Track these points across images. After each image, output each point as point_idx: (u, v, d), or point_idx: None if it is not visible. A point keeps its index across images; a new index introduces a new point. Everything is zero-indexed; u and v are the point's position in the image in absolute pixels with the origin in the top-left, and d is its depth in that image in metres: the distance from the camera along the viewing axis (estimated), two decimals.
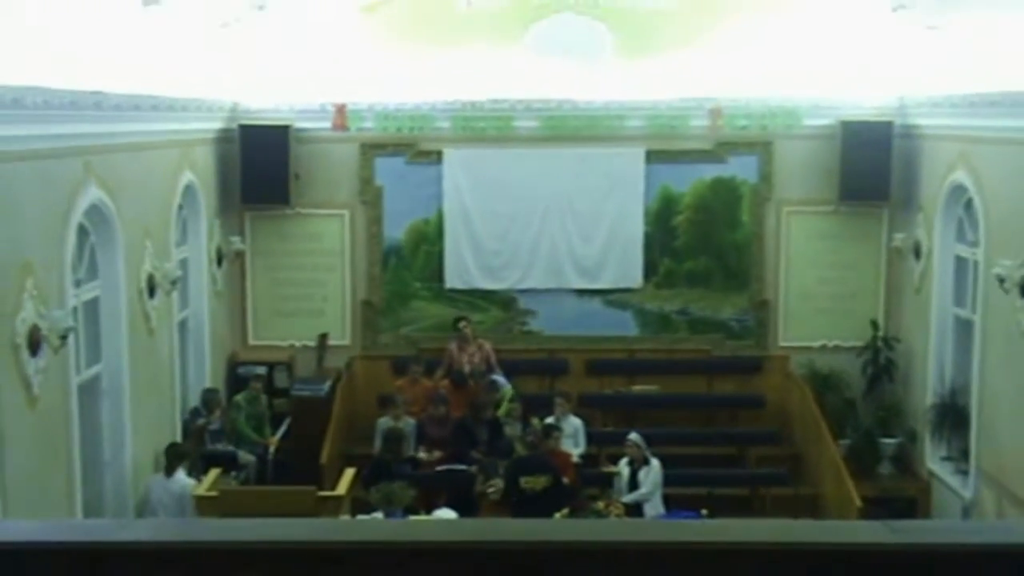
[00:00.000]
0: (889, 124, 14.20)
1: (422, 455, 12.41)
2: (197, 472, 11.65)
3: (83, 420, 9.98)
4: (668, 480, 12.18)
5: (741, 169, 14.80)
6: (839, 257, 14.85)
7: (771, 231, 14.88)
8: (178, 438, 12.32)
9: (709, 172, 14.81)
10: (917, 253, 13.89)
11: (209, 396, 13.16)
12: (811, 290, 14.90)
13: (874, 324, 14.59)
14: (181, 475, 11.20)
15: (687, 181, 14.85)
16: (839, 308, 14.85)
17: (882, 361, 14.48)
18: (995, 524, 9.28)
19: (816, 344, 14.87)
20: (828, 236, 14.84)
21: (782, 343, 15.00)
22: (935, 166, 13.47)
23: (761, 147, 14.72)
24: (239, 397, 13.67)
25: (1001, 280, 11.23)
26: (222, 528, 2.16)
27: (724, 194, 14.86)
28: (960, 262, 13.10)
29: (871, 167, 14.19)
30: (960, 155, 12.67)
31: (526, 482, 11.30)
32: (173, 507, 10.87)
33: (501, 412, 13.22)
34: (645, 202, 14.76)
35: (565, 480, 11.69)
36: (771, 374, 14.90)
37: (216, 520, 3.24)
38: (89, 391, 10.45)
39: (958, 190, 12.88)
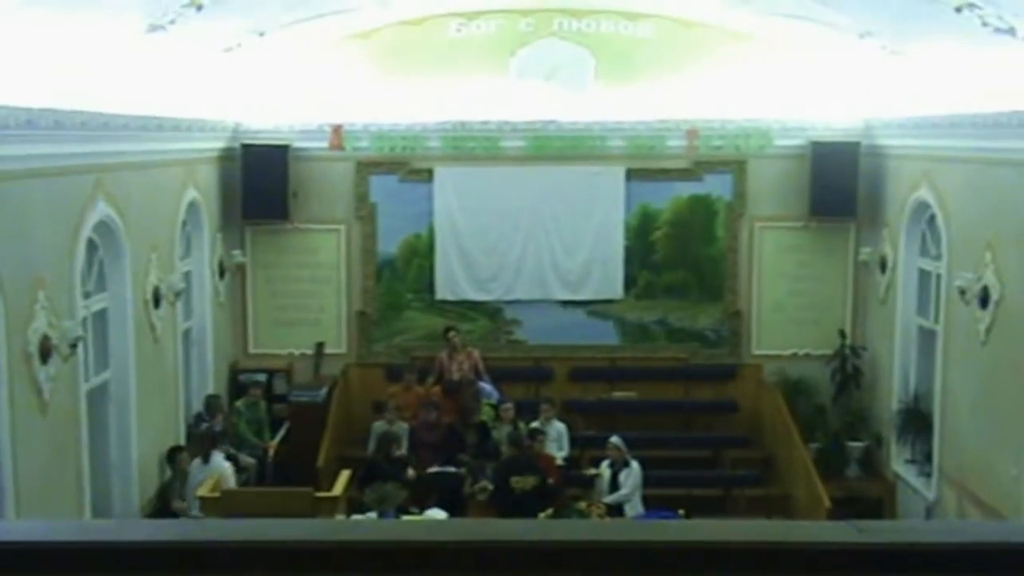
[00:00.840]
0: (856, 144, 14.25)
1: (411, 472, 12.29)
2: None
3: (91, 424, 9.95)
4: (647, 481, 12.18)
5: (716, 187, 14.83)
6: (809, 270, 14.88)
7: (744, 245, 14.91)
8: (182, 442, 12.29)
9: (686, 190, 14.84)
10: (883, 266, 13.93)
11: (212, 401, 13.13)
12: (782, 301, 14.93)
13: (842, 333, 14.62)
14: (217, 459, 11.22)
15: (665, 198, 14.87)
16: (809, 318, 14.88)
17: (849, 369, 14.50)
18: (957, 524, 9.31)
19: (787, 352, 14.90)
20: (798, 250, 14.88)
21: (755, 351, 15.02)
22: (900, 184, 13.52)
23: (735, 166, 14.76)
24: (239, 403, 13.63)
25: (962, 292, 11.28)
26: (223, 528, 2.15)
27: (700, 210, 14.89)
28: (923, 275, 13.14)
29: (839, 185, 14.24)
30: (923, 173, 12.72)
31: (516, 482, 11.30)
32: None
33: (484, 417, 13.20)
34: (625, 218, 14.79)
35: (550, 481, 11.69)
36: (744, 381, 14.92)
37: (217, 520, 3.23)
38: (97, 397, 10.42)
39: (921, 207, 12.93)
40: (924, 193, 12.70)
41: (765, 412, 14.59)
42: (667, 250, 14.95)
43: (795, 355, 14.89)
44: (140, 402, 11.02)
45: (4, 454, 8.12)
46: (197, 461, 11.31)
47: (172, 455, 11.58)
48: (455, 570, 1.99)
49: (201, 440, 11.48)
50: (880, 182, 14.13)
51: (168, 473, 11.67)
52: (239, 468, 12.56)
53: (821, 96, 14.31)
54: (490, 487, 11.69)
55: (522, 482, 11.28)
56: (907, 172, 13.26)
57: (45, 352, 8.74)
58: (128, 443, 10.88)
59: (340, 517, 9.68)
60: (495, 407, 13.38)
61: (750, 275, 14.95)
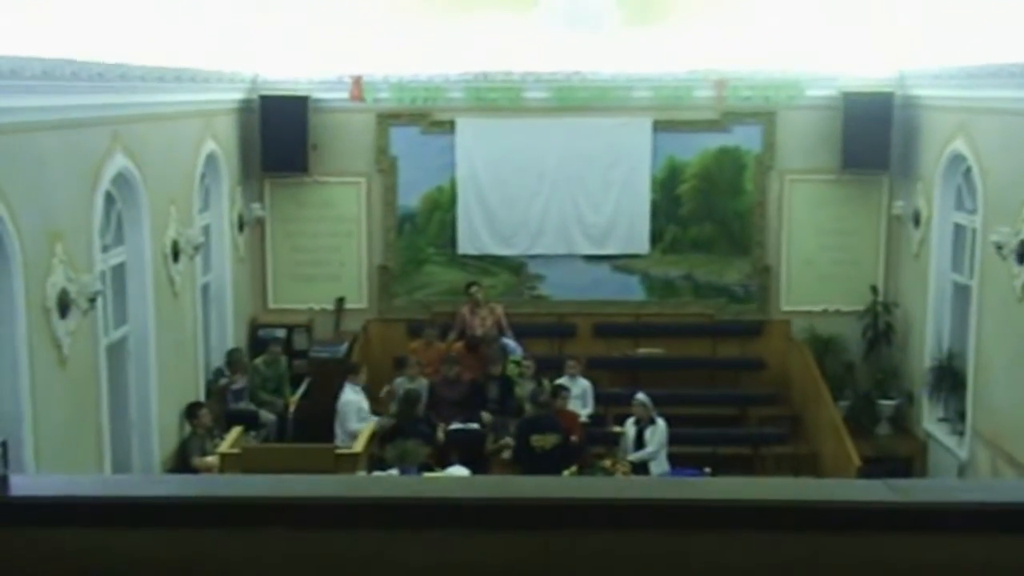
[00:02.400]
0: (890, 95, 14.11)
1: (440, 435, 12.41)
2: (220, 430, 11.73)
3: (111, 380, 10.04)
4: (673, 439, 12.21)
5: (745, 139, 14.74)
6: (840, 224, 14.80)
7: (774, 199, 14.83)
8: (201, 398, 12.39)
9: (714, 142, 14.75)
10: (916, 220, 13.83)
11: (234, 356, 13.22)
12: (812, 256, 14.86)
13: (874, 289, 14.56)
14: (345, 389, 12.01)
15: (692, 150, 14.79)
16: (839, 274, 14.82)
17: (881, 325, 14.46)
18: (993, 482, 9.28)
19: (817, 309, 14.85)
20: (829, 204, 14.79)
21: (784, 308, 14.98)
22: (934, 136, 13.39)
23: (764, 117, 14.65)
24: (258, 360, 13.71)
25: (998, 247, 11.19)
26: (244, 484, 2.17)
27: (728, 163, 14.81)
28: (958, 229, 13.05)
29: (871, 137, 14.12)
30: (959, 125, 12.59)
31: (536, 440, 11.35)
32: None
33: (511, 373, 13.24)
34: (651, 171, 14.72)
35: (573, 439, 11.74)
36: (773, 338, 14.89)
37: (238, 476, 3.26)
38: (116, 352, 10.51)
39: (957, 159, 12.81)
40: (960, 145, 12.58)
41: (793, 369, 14.58)
42: (694, 204, 14.88)
43: (825, 311, 14.84)
44: (159, 358, 11.09)
45: (24, 409, 8.20)
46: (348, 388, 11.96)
47: (191, 411, 11.68)
48: (476, 527, 2.00)
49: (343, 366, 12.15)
50: (914, 134, 14.00)
51: (188, 429, 11.76)
52: (259, 425, 12.67)
53: (853, 45, 14.15)
54: (512, 444, 11.77)
55: (543, 440, 11.33)
56: (943, 123, 13.13)
57: (64, 306, 8.81)
58: (147, 399, 10.96)
59: (361, 474, 9.76)
60: (520, 363, 13.41)
61: (779, 229, 14.88)
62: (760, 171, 14.77)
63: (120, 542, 1.99)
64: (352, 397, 12.15)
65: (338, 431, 11.98)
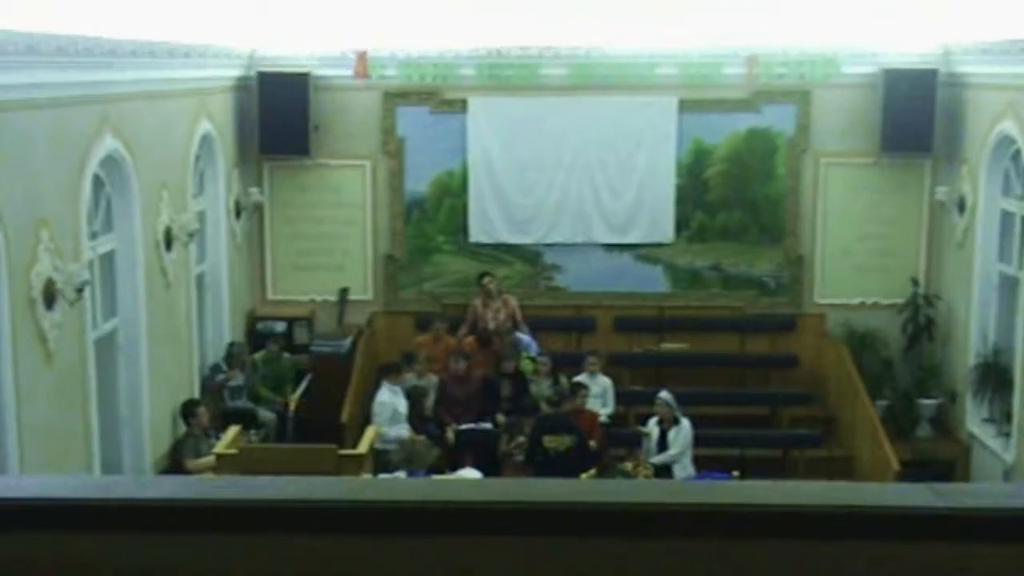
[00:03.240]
0: (933, 72, 14.06)
1: (450, 436, 12.43)
2: (216, 429, 11.77)
3: (99, 376, 10.08)
4: (698, 441, 12.21)
5: (777, 120, 14.70)
6: (879, 211, 14.76)
7: (808, 184, 14.79)
8: (196, 395, 12.43)
9: (744, 123, 14.73)
10: (961, 207, 13.78)
11: (234, 350, 13.27)
12: (849, 245, 14.83)
13: (914, 281, 14.52)
14: (382, 389, 12.17)
15: (721, 132, 14.77)
16: (878, 264, 14.78)
17: (922, 320, 14.42)
18: None
19: (853, 302, 14.82)
20: (867, 189, 14.75)
21: (818, 300, 14.96)
22: (981, 116, 13.34)
23: (798, 96, 14.61)
24: (257, 356, 13.75)
25: None
26: (242, 486, 2.17)
27: (759, 146, 14.78)
28: (1006, 216, 13.00)
29: (913, 117, 14.07)
30: (1008, 104, 12.54)
31: (550, 441, 11.36)
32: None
33: (524, 369, 13.25)
34: (677, 154, 14.70)
35: (592, 443, 11.74)
36: (806, 333, 14.87)
37: (236, 478, 3.27)
38: (105, 346, 10.55)
39: (1005, 141, 12.76)
40: (1008, 126, 12.52)
41: (828, 366, 14.55)
42: (722, 189, 14.86)
43: (862, 304, 14.81)
44: (151, 352, 11.13)
45: (7, 406, 8.24)
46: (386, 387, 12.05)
47: (188, 410, 11.72)
48: (488, 533, 2.00)
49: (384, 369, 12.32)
50: (959, 114, 13.95)
51: (181, 429, 11.81)
52: (257, 423, 12.71)
53: (894, 18, 14.09)
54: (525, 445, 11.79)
55: (556, 442, 11.34)
56: (990, 103, 13.07)
57: (50, 297, 8.84)
58: (138, 396, 11.01)
59: (366, 476, 9.78)
60: (534, 360, 13.42)
61: (813, 216, 14.85)
62: (793, 154, 14.74)
63: (110, 547, 2.00)
64: (387, 398, 12.12)
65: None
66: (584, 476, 10.55)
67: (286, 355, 13.94)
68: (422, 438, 11.53)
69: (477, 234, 14.96)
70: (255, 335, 14.53)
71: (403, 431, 11.77)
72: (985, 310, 13.26)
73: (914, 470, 12.15)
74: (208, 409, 11.95)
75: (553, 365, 13.37)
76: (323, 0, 14.33)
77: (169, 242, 11.67)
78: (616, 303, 14.98)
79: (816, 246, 14.91)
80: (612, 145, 14.68)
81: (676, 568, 1.99)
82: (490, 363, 13.44)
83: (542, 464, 11.27)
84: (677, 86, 14.59)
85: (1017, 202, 12.59)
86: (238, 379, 13.12)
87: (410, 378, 13.05)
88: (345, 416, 12.75)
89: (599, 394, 13.17)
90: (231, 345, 13.39)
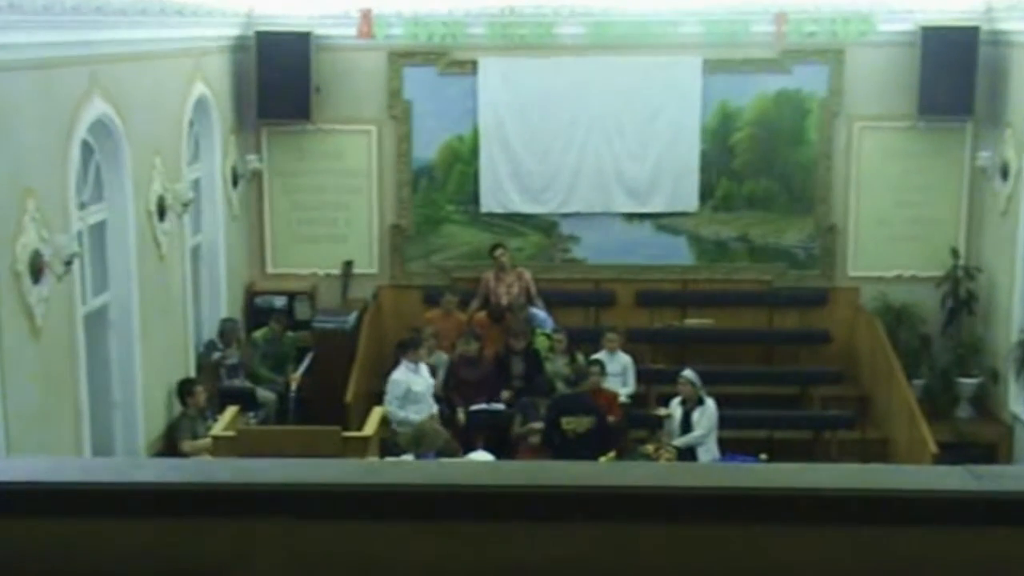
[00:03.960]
0: (974, 30, 13.97)
1: (461, 416, 12.46)
2: (213, 410, 11.81)
3: (90, 353, 10.11)
4: (724, 422, 12.22)
5: (808, 81, 14.64)
6: (916, 178, 14.70)
7: (841, 149, 14.74)
8: (192, 373, 12.47)
9: (773, 84, 14.66)
10: (1004, 173, 13.73)
11: (227, 327, 13.29)
12: (884, 214, 14.78)
13: (954, 252, 14.48)
14: (399, 367, 12.13)
15: (748, 94, 14.71)
16: (915, 234, 14.74)
17: (962, 293, 14.38)
18: None
19: (889, 274, 14.79)
20: (904, 155, 14.69)
21: (851, 273, 14.92)
22: None
23: (831, 56, 14.54)
24: (257, 334, 13.78)
25: None
26: (241, 469, 2.18)
27: (789, 109, 14.72)
28: None
29: (953, 78, 13.98)
30: None
31: (567, 423, 11.39)
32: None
33: (539, 346, 13.26)
34: (701, 118, 14.65)
35: (611, 420, 11.77)
36: (838, 307, 14.84)
37: (234, 461, 3.28)
38: (96, 322, 10.57)
39: None
40: None
41: (861, 343, 14.54)
42: (750, 155, 14.82)
43: (898, 277, 14.77)
44: (144, 328, 11.16)
45: None
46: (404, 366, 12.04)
47: (185, 389, 11.76)
48: (500, 518, 2.01)
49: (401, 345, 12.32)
50: (1002, 74, 13.87)
51: (176, 409, 11.85)
52: (257, 404, 12.75)
53: None
54: (541, 428, 11.81)
55: (574, 423, 11.37)
56: None
57: (37, 270, 8.86)
58: (131, 374, 11.04)
59: (372, 459, 9.81)
60: (550, 337, 13.43)
61: (847, 184, 14.80)
62: (825, 118, 14.68)
63: (101, 533, 2.01)
64: (400, 376, 12.11)
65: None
66: (604, 459, 10.57)
67: (289, 334, 13.96)
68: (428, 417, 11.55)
69: (489, 203, 14.94)
70: (254, 310, 14.56)
71: (415, 413, 11.74)
72: None
73: (953, 453, 12.15)
74: (205, 388, 11.99)
75: (569, 342, 13.37)
76: None
77: (162, 212, 11.68)
78: (637, 276, 14.96)
79: (849, 215, 14.86)
80: (632, 109, 14.64)
81: (701, 555, 1.99)
82: (502, 340, 13.45)
83: (560, 447, 11.31)
84: (701, 45, 14.52)
85: None
86: (235, 357, 13.16)
87: (419, 355, 13.05)
88: (349, 396, 12.79)
89: (619, 373, 13.18)
90: (224, 321, 13.40)
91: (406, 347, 12.35)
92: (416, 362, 12.21)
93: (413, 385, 12.07)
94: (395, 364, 12.37)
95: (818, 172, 14.81)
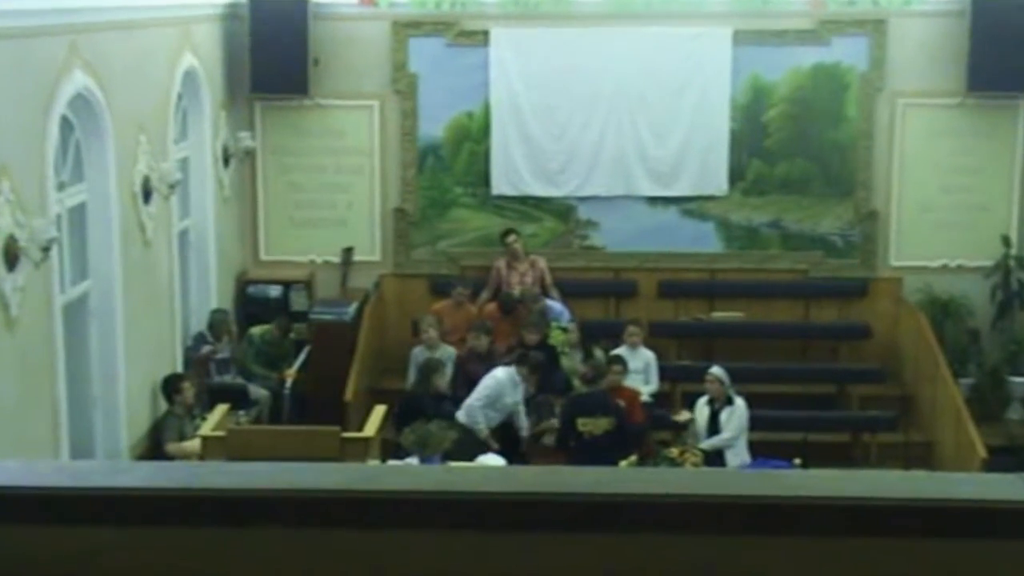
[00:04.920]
0: None
1: (461, 415, 12.47)
2: (202, 408, 11.83)
3: (69, 347, 10.12)
4: (755, 423, 12.21)
5: (848, 53, 14.60)
6: (964, 159, 14.67)
7: (883, 128, 14.70)
8: (178, 368, 12.49)
9: (809, 57, 14.63)
10: None
11: (217, 318, 13.30)
12: (930, 199, 14.75)
13: (1005, 240, 14.46)
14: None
15: (782, 68, 14.68)
16: (963, 221, 14.71)
17: (1013, 284, 14.37)
18: None
19: (935, 264, 14.76)
20: (952, 134, 14.66)
21: (893, 262, 14.90)
22: None
23: (872, 26, 14.51)
24: (255, 331, 13.78)
25: None
26: (231, 473, 2.19)
27: (826, 84, 14.69)
28: None
29: (1006, 50, 13.95)
30: None
31: (584, 424, 11.39)
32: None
33: (555, 341, 13.25)
34: (731, 93, 14.63)
35: (633, 421, 11.77)
36: (879, 299, 14.82)
37: (224, 464, 3.28)
38: (75, 312, 10.59)
39: None
40: None
41: (904, 339, 14.52)
42: (784, 134, 14.79)
43: (945, 267, 14.75)
44: (127, 319, 11.17)
45: None
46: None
47: (172, 385, 11.77)
48: (510, 528, 2.01)
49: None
50: None
51: (162, 407, 11.87)
52: (249, 402, 12.77)
53: None
54: (556, 427, 11.83)
55: (591, 424, 11.38)
56: None
57: (11, 257, 8.87)
58: (113, 369, 11.05)
59: (373, 463, 9.82)
60: (566, 330, 13.42)
61: (889, 166, 14.77)
62: (866, 93, 14.65)
63: (80, 541, 2.01)
64: (505, 379, 12.12)
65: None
66: (624, 463, 10.58)
67: (292, 336, 13.95)
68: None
69: (501, 185, 14.94)
70: (246, 300, 14.57)
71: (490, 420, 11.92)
72: None
73: (1004, 457, 12.14)
74: (193, 385, 12.01)
75: (584, 336, 13.35)
76: None
77: (148, 194, 11.70)
78: (660, 265, 14.95)
79: (892, 200, 14.83)
80: (656, 83, 14.61)
81: (731, 568, 1.99)
82: (514, 334, 13.45)
83: (576, 450, 11.32)
84: (731, 15, 14.52)
85: None
86: (225, 351, 13.17)
87: (418, 352, 13.06)
88: (349, 394, 12.80)
89: (640, 370, 13.17)
90: (214, 313, 13.41)
91: (524, 362, 12.18)
92: (524, 381, 12.17)
93: (507, 396, 12.07)
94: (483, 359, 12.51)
95: (858, 153, 14.78)
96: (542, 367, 12.25)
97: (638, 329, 13.43)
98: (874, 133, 14.73)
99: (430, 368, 12.31)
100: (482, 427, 11.77)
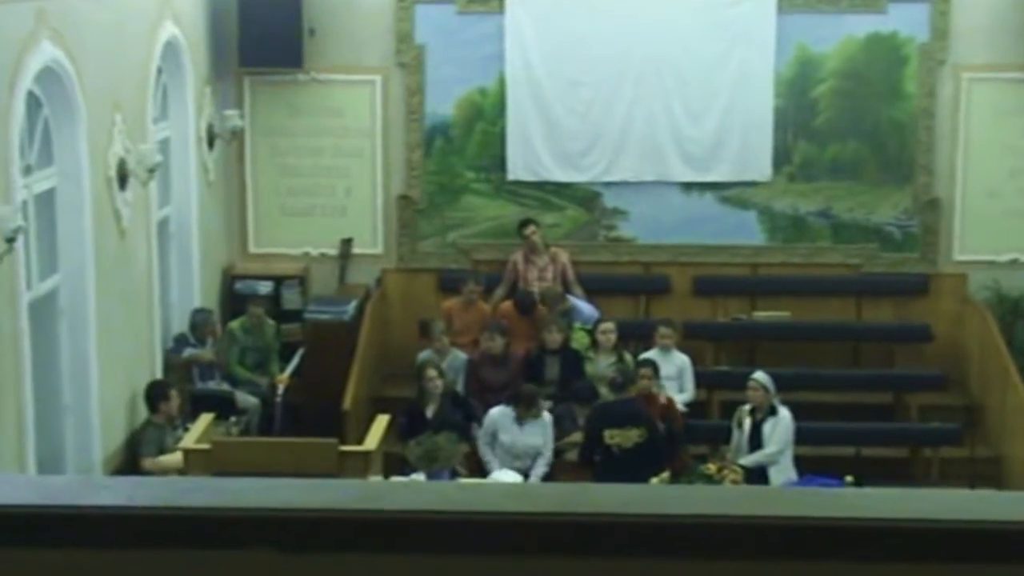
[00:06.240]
0: None
1: (477, 430, 12.44)
2: (185, 418, 11.85)
3: (36, 349, 10.14)
4: (801, 436, 12.20)
5: (906, 22, 14.58)
6: None
7: (946, 105, 14.67)
8: (158, 373, 12.51)
9: (863, 26, 14.62)
10: None
11: (199, 318, 13.32)
12: (998, 185, 14.73)
13: None
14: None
15: (833, 38, 14.67)
16: None
17: None
18: None
19: (1003, 258, 14.74)
20: (1023, 112, 14.63)
21: (957, 256, 14.87)
22: None
23: None
24: (234, 324, 13.79)
25: None
26: (217, 490, 2.19)
27: (882, 56, 14.67)
28: None
29: None
30: None
31: (612, 436, 11.39)
32: None
33: (577, 343, 13.25)
34: (776, 66, 14.61)
35: (664, 427, 11.77)
36: (941, 298, 14.80)
37: (210, 480, 3.29)
38: (43, 311, 10.61)
39: None
40: None
41: (970, 341, 14.49)
42: (834, 112, 14.78)
43: (1015, 262, 14.72)
44: (101, 318, 11.19)
45: None
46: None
47: (156, 394, 11.77)
48: (528, 552, 2.01)
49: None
50: None
51: (140, 416, 11.89)
52: (237, 410, 12.79)
53: None
54: (579, 441, 11.84)
55: (620, 436, 11.37)
56: None
57: None
58: (85, 373, 11.07)
59: (375, 478, 9.84)
60: (590, 332, 13.41)
61: (952, 148, 14.74)
62: (927, 67, 14.62)
63: (48, 566, 2.02)
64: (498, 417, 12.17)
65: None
66: (656, 479, 10.58)
67: (270, 321, 13.97)
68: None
69: (517, 170, 14.94)
70: (233, 298, 14.58)
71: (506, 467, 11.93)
72: None
73: None
74: (180, 393, 12.04)
75: (618, 337, 13.35)
76: None
77: (124, 179, 11.71)
78: (696, 259, 14.95)
79: (955, 186, 14.80)
80: (692, 55, 14.61)
81: None
82: (533, 336, 13.45)
83: (602, 465, 11.31)
84: None
85: None
86: (210, 354, 13.19)
87: (424, 355, 13.05)
88: (348, 402, 12.82)
89: (674, 376, 13.16)
90: (196, 312, 13.41)
91: (515, 402, 12.02)
92: (530, 418, 12.03)
93: (504, 434, 11.99)
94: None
95: (917, 133, 14.74)
96: (534, 398, 12.04)
97: (670, 331, 13.41)
98: (936, 111, 14.70)
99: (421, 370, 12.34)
100: (487, 460, 11.81)
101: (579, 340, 13.37)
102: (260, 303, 13.97)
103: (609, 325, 13.33)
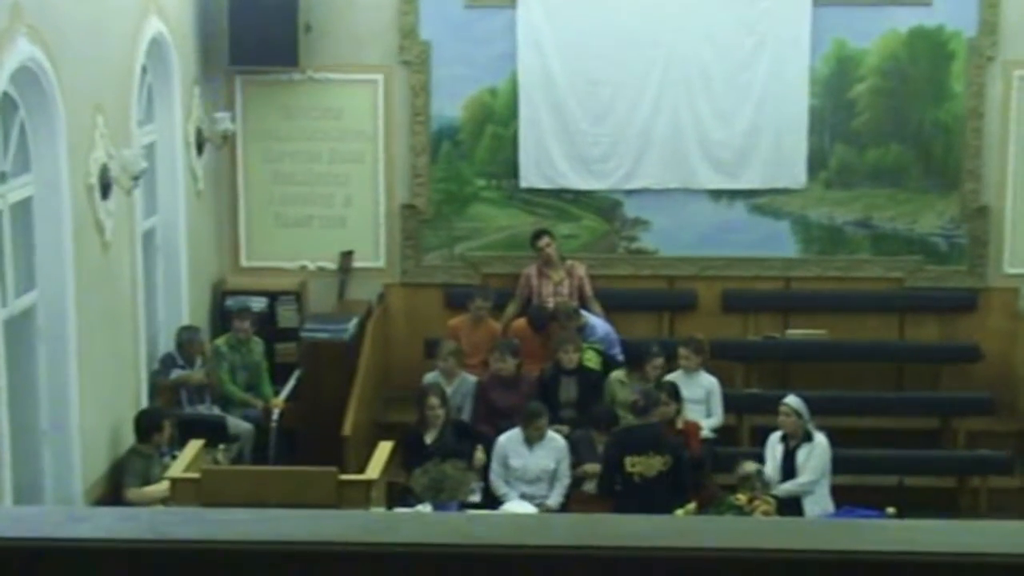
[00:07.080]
0: None
1: (479, 456, 12.41)
2: (172, 445, 11.86)
3: (12, 370, 10.16)
4: (838, 464, 12.20)
5: (952, 15, 14.58)
6: None
7: (995, 106, 14.67)
8: (143, 396, 12.52)
9: (905, 19, 14.62)
10: None
11: (186, 337, 13.33)
12: None
13: None
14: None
15: (873, 33, 14.68)
16: None
17: None
18: None
19: None
20: None
21: (1008, 269, 14.86)
22: None
23: None
24: (219, 341, 13.81)
25: None
26: (207, 522, 2.20)
27: (926, 51, 14.68)
28: None
29: None
30: None
31: (633, 464, 11.39)
32: None
33: (589, 363, 13.22)
34: (811, 63, 14.62)
35: (693, 452, 11.79)
36: (991, 314, 14.79)
37: (198, 510, 3.29)
38: (20, 330, 10.63)
39: None
40: None
41: (1021, 362, 14.48)
42: (874, 113, 14.78)
43: None
44: (82, 338, 11.21)
45: None
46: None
47: (148, 422, 11.77)
48: None
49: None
50: None
51: (125, 443, 11.89)
52: (228, 436, 12.80)
53: None
54: (597, 470, 11.84)
55: (642, 464, 11.37)
56: None
57: None
58: (64, 396, 11.08)
59: (377, 510, 9.85)
60: (602, 354, 13.37)
61: (1003, 152, 14.73)
62: (976, 64, 14.62)
63: None
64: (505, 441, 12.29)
65: None
66: (681, 511, 10.58)
67: (256, 338, 13.95)
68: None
69: (531, 176, 14.95)
70: (224, 315, 14.58)
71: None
72: None
73: None
74: (173, 423, 12.05)
75: (633, 365, 13.32)
76: None
77: (106, 187, 11.74)
78: (724, 273, 14.95)
79: (1006, 193, 14.79)
80: (720, 51, 14.62)
81: None
82: (547, 355, 13.45)
83: (624, 495, 11.30)
84: None
85: None
86: (200, 375, 13.20)
87: (431, 376, 13.06)
88: (348, 427, 12.84)
89: (700, 399, 13.16)
90: (183, 330, 13.40)
91: (525, 421, 12.16)
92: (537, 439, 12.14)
93: (513, 458, 12.09)
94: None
95: (965, 136, 14.74)
96: (537, 414, 12.14)
97: (689, 351, 13.37)
98: (985, 112, 14.70)
99: (422, 395, 12.36)
100: (501, 492, 11.89)
101: (589, 359, 13.34)
102: (247, 317, 13.92)
103: (659, 361, 13.12)
